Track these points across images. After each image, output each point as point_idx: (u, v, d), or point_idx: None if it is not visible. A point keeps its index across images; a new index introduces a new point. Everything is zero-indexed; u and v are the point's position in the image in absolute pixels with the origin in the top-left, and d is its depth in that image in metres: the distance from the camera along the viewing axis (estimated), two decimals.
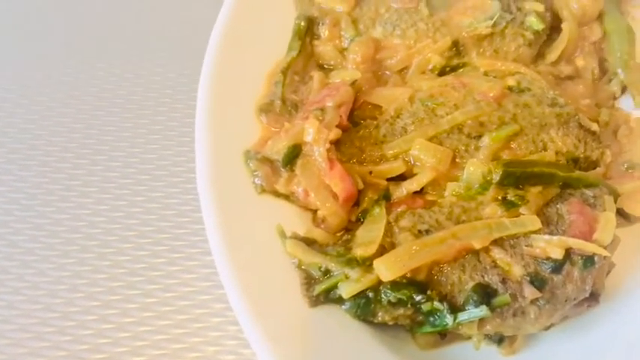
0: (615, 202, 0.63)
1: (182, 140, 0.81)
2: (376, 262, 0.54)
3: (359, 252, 0.56)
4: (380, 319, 0.55)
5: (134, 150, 0.82)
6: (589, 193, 0.61)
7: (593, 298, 0.58)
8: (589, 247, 0.55)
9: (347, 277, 0.55)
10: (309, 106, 0.68)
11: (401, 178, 0.65)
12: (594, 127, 0.67)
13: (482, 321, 0.54)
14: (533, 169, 0.60)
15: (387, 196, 0.63)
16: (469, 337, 0.58)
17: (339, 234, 0.62)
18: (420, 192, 0.64)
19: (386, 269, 0.54)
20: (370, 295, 0.55)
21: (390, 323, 0.56)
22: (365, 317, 0.55)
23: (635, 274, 0.62)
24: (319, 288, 0.55)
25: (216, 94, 0.68)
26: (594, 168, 0.66)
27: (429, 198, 0.64)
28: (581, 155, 0.65)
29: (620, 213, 0.64)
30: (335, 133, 0.63)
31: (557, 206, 0.60)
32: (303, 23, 0.76)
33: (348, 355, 0.54)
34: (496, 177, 0.59)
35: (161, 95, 0.87)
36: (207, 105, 0.66)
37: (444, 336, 0.58)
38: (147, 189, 0.77)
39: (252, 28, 0.76)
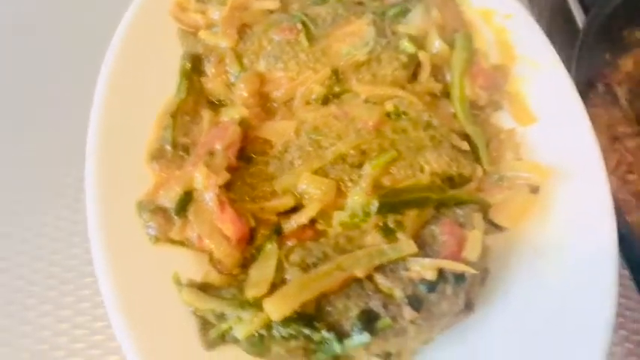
0: (487, 213, 0.69)
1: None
2: (265, 303, 0.58)
3: (251, 293, 0.60)
4: (275, 353, 0.59)
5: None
6: (460, 212, 0.66)
7: (468, 307, 0.64)
8: (458, 267, 0.61)
9: (240, 320, 0.59)
10: (199, 149, 0.70)
11: (293, 211, 0.69)
12: (465, 145, 0.72)
13: (368, 345, 0.59)
14: (408, 197, 0.65)
15: (278, 231, 0.67)
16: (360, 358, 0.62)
17: (235, 272, 0.65)
18: (312, 222, 0.68)
19: (274, 309, 0.58)
20: (263, 332, 0.59)
21: (286, 356, 0.60)
22: (261, 354, 0.59)
23: (506, 278, 0.67)
24: (215, 332, 0.59)
25: (105, 144, 0.69)
26: (467, 183, 0.71)
27: (319, 227, 0.68)
28: (455, 173, 0.71)
29: (492, 223, 0.70)
30: (223, 177, 0.66)
31: (432, 228, 0.65)
32: (188, 63, 0.77)
33: None
34: (373, 208, 0.64)
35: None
36: (96, 157, 0.67)
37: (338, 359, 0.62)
38: None
39: (139, 70, 0.77)
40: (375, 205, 0.63)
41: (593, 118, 1.03)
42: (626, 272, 0.73)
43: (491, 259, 0.69)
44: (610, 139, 1.03)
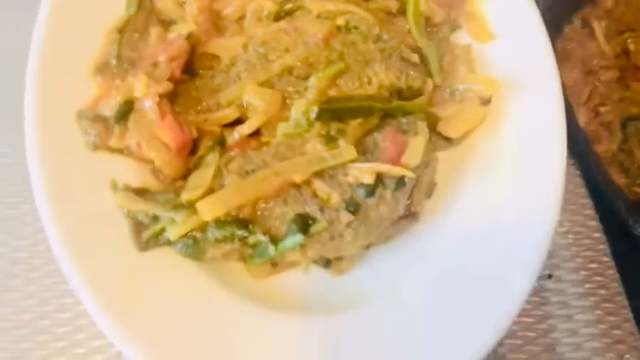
0: (435, 126, 0.68)
1: None
2: (198, 204, 0.58)
3: (185, 196, 0.59)
4: (210, 255, 0.59)
5: None
6: (404, 120, 0.65)
7: (412, 216, 0.63)
8: (396, 171, 0.60)
9: (173, 221, 0.58)
10: (143, 62, 0.69)
11: (239, 123, 0.68)
12: (415, 58, 0.71)
13: (304, 247, 0.59)
14: (350, 104, 0.64)
15: (222, 142, 0.66)
16: (299, 264, 0.62)
17: (177, 183, 0.65)
18: (257, 134, 0.67)
19: (207, 210, 0.57)
20: (198, 235, 0.59)
21: (222, 259, 0.60)
22: (195, 256, 0.59)
23: (455, 192, 0.67)
24: (147, 233, 0.59)
25: (49, 56, 0.68)
26: (418, 96, 0.70)
27: (264, 140, 0.67)
28: (404, 86, 0.69)
29: (442, 137, 0.69)
30: (164, 87, 0.65)
31: (375, 135, 0.64)
32: None
33: (180, 293, 0.57)
34: (313, 114, 0.62)
35: None
36: (38, 67, 0.66)
37: (276, 265, 0.62)
38: None
39: None
40: (314, 111, 0.62)
41: (568, 52, 1.02)
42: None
43: (441, 174, 0.68)
44: (583, 73, 1.01)
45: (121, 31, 0.73)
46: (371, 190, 0.60)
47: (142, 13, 0.76)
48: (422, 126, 0.64)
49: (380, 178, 0.60)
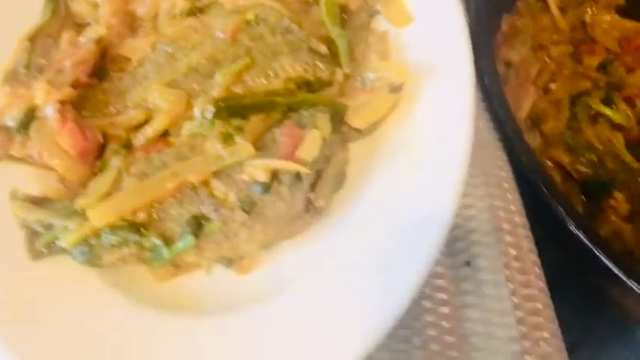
0: (343, 117, 0.67)
1: None
2: (88, 211, 0.58)
3: (79, 203, 0.59)
4: (107, 261, 0.59)
5: None
6: (305, 114, 0.64)
7: (315, 210, 0.62)
8: (290, 166, 0.59)
9: (66, 229, 0.58)
10: (50, 69, 0.69)
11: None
12: (323, 49, 0.69)
13: (199, 248, 0.59)
14: (250, 100, 0.63)
15: (127, 145, 0.66)
16: (200, 265, 0.62)
17: (81, 189, 0.65)
18: (165, 136, 0.67)
19: (97, 216, 0.57)
20: (93, 241, 0.59)
21: (121, 264, 0.60)
22: (92, 262, 0.59)
23: (365, 182, 0.65)
24: (41, 241, 0.59)
25: None
26: (328, 87, 0.69)
27: (172, 140, 0.66)
28: (312, 78, 0.68)
29: (353, 128, 0.68)
30: (65, 93, 0.65)
31: (273, 131, 0.63)
32: None
33: (76, 301, 0.57)
34: (209, 114, 0.62)
35: None
36: None
37: (178, 266, 0.62)
38: None
39: None
40: (210, 109, 0.61)
41: (518, 27, 0.99)
42: None
43: (354, 166, 0.66)
44: (533, 48, 0.99)
45: (32, 38, 0.73)
46: (266, 187, 0.59)
47: (56, 19, 0.76)
48: (322, 118, 0.63)
49: (275, 174, 0.59)
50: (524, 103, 0.93)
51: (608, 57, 0.96)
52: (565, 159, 0.87)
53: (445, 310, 0.64)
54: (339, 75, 0.69)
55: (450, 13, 0.71)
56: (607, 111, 0.93)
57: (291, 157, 0.60)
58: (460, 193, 0.58)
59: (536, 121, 0.93)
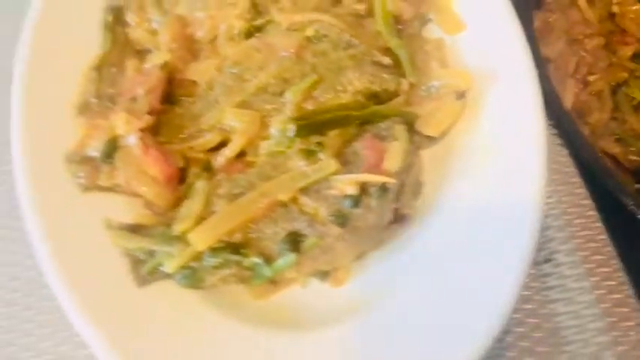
0: (413, 125, 0.69)
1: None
2: (189, 236, 0.59)
3: (177, 228, 0.61)
4: (209, 283, 0.61)
5: None
6: (382, 126, 0.66)
7: (401, 219, 0.64)
8: (377, 178, 0.61)
9: (169, 254, 0.60)
10: (123, 97, 0.70)
11: (223, 146, 0.69)
12: (386, 60, 0.71)
13: (298, 264, 0.61)
14: (327, 116, 0.65)
15: (208, 168, 0.67)
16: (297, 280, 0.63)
17: (170, 213, 0.66)
18: (242, 156, 0.68)
19: (198, 240, 0.59)
20: (195, 264, 0.60)
21: (221, 284, 0.61)
22: (195, 285, 0.61)
23: (441, 189, 0.67)
24: (145, 269, 0.60)
25: (31, 100, 0.69)
26: (396, 98, 0.71)
27: (249, 160, 0.68)
28: (379, 89, 0.70)
29: (423, 135, 0.70)
30: (145, 121, 0.67)
31: (354, 145, 0.65)
32: (109, 16, 0.77)
33: (182, 324, 0.59)
34: (291, 132, 0.63)
35: None
36: (22, 112, 0.68)
37: (276, 283, 0.63)
38: None
39: (64, 28, 0.77)
40: (292, 128, 0.63)
41: (550, 24, 1.01)
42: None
43: (427, 173, 0.68)
44: (568, 43, 1.01)
45: (98, 68, 0.74)
46: (356, 201, 0.61)
47: (117, 47, 0.77)
48: (400, 129, 0.65)
49: (363, 187, 0.61)
50: (566, 97, 0.95)
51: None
52: (615, 149, 0.89)
53: (531, 306, 0.66)
54: (404, 85, 0.71)
55: (502, 16, 0.74)
56: None
57: (376, 169, 0.62)
58: (544, 197, 0.60)
59: (580, 113, 0.95)
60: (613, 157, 0.89)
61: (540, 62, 0.87)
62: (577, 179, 0.72)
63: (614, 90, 0.94)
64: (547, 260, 0.67)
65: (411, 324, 0.59)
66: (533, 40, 0.92)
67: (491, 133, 0.68)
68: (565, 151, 0.75)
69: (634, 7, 1.05)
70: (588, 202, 0.70)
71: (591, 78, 0.99)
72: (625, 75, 0.97)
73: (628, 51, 1.00)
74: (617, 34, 1.03)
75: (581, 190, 0.71)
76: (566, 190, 0.71)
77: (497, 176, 0.64)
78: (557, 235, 0.69)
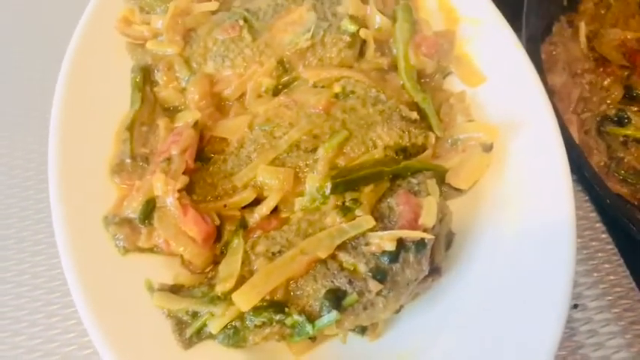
0: (444, 178, 0.71)
1: (40, 217, 0.85)
2: (233, 297, 0.60)
3: (220, 288, 0.62)
4: (251, 342, 0.62)
5: None
6: (414, 181, 0.68)
7: (435, 271, 0.66)
8: (415, 234, 0.62)
9: (213, 315, 0.61)
10: (157, 157, 0.72)
11: (256, 203, 0.71)
12: (414, 115, 0.74)
13: (340, 321, 0.61)
14: (361, 173, 0.67)
15: (243, 225, 0.69)
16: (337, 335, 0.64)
17: (207, 270, 0.67)
18: (275, 212, 0.70)
19: (243, 301, 0.60)
20: (237, 324, 0.61)
21: (263, 342, 0.62)
22: (238, 345, 0.62)
23: (471, 239, 0.69)
24: (190, 331, 0.61)
25: (66, 163, 0.71)
26: (423, 151, 0.73)
27: (283, 216, 0.70)
28: (408, 144, 0.72)
29: (452, 187, 0.72)
30: (182, 181, 0.68)
31: (388, 200, 0.67)
32: (138, 76, 0.79)
33: None
34: (327, 190, 0.65)
35: (9, 177, 0.89)
36: (59, 175, 0.69)
37: (314, 339, 0.64)
38: None
39: (93, 89, 0.79)
40: (328, 186, 0.65)
41: (555, 56, 1.03)
42: None
43: (456, 222, 0.70)
44: (571, 75, 1.03)
45: (130, 128, 0.76)
46: (394, 256, 0.62)
47: (146, 106, 0.79)
48: (432, 184, 0.67)
49: (401, 242, 0.63)
50: (573, 135, 0.96)
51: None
52: (623, 190, 0.91)
53: (562, 352, 0.67)
54: (432, 138, 0.74)
55: (520, 68, 0.76)
56: (626, 131, 0.94)
57: (413, 224, 0.64)
58: (576, 250, 0.62)
59: (583, 156, 0.97)
60: (620, 200, 0.90)
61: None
62: (600, 224, 0.74)
63: (598, 127, 0.95)
64: (575, 306, 0.68)
65: None
66: (542, 72, 0.94)
67: (517, 182, 0.70)
68: (586, 197, 0.77)
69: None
70: (612, 246, 0.72)
71: (583, 116, 1.01)
72: (608, 109, 0.98)
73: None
74: (602, 64, 1.05)
75: (605, 236, 0.73)
76: (591, 235, 0.73)
77: (526, 226, 0.66)
78: (583, 280, 0.70)
